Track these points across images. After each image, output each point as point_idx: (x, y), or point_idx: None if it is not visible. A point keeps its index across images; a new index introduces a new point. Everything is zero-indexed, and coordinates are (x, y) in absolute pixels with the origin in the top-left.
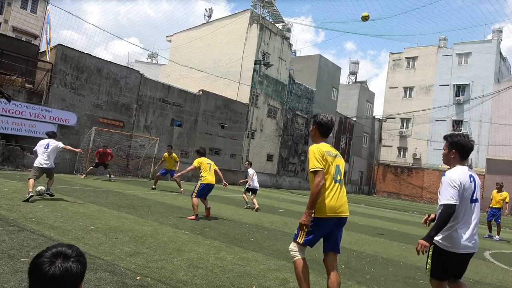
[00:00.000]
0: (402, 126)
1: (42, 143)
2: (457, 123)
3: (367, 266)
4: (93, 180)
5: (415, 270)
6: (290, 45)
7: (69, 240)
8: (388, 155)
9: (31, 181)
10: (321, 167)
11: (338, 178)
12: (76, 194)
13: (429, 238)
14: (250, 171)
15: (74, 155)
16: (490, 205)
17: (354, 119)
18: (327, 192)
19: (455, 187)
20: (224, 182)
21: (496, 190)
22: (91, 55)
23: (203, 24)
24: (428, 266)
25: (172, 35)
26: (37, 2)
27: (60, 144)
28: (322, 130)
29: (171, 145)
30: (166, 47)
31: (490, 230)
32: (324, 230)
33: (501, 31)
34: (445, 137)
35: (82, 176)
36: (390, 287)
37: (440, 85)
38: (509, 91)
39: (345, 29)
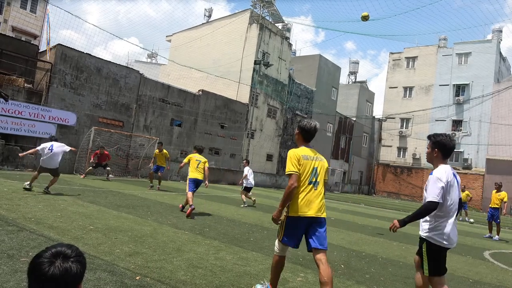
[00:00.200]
0: (402, 126)
1: (45, 145)
2: (457, 123)
3: (366, 266)
4: (93, 180)
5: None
6: (290, 45)
7: (69, 240)
8: (388, 155)
9: (34, 174)
10: (295, 171)
11: (314, 180)
12: (75, 194)
13: (403, 223)
14: (245, 170)
15: (74, 155)
16: (490, 205)
17: (354, 119)
18: (300, 193)
19: (442, 186)
20: (206, 182)
21: (495, 190)
22: (91, 55)
23: (203, 24)
24: (426, 266)
25: (172, 35)
26: (37, 1)
27: (66, 148)
28: (305, 135)
29: (162, 142)
30: (165, 47)
31: (490, 231)
32: (300, 229)
33: (501, 31)
34: (429, 137)
35: (82, 176)
36: (389, 287)
37: (440, 85)
38: (509, 91)
39: (345, 29)
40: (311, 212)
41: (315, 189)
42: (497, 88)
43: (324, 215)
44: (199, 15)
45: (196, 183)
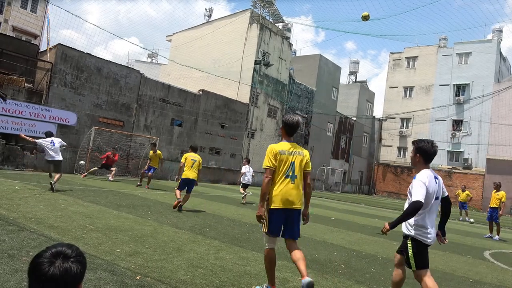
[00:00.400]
0: (402, 126)
1: (46, 141)
2: (457, 123)
3: (367, 265)
4: (93, 180)
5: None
6: (290, 44)
7: (69, 240)
8: (388, 154)
9: (50, 173)
10: (269, 165)
11: (290, 174)
12: (76, 193)
13: (393, 225)
14: (243, 168)
15: (74, 154)
16: (489, 205)
17: (354, 118)
18: (276, 186)
19: (424, 188)
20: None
21: (495, 190)
22: (91, 55)
23: (203, 23)
24: (413, 261)
25: (172, 35)
26: (37, 1)
27: (63, 142)
28: (288, 130)
29: (155, 143)
30: (166, 47)
31: (491, 231)
32: (279, 219)
33: (501, 31)
34: (413, 142)
35: (82, 176)
36: (389, 287)
37: (440, 85)
38: (509, 91)
39: (345, 28)
40: (287, 204)
41: (292, 183)
42: (497, 88)
43: (300, 207)
44: (200, 15)
45: (186, 183)
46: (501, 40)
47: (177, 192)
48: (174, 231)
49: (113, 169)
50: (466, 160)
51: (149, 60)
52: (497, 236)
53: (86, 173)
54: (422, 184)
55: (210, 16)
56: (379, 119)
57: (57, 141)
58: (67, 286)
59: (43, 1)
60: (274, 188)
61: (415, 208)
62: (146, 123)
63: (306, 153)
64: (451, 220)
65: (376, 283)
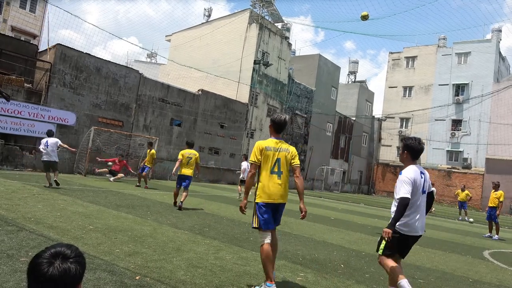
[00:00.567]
0: (401, 126)
1: (42, 141)
2: (457, 123)
3: (366, 265)
4: (93, 180)
5: (414, 270)
6: (289, 44)
7: (68, 240)
8: (387, 154)
9: (46, 174)
10: (254, 160)
11: (276, 170)
12: (75, 193)
13: (391, 226)
14: (243, 164)
15: (73, 155)
16: (488, 205)
17: (354, 118)
18: (263, 182)
19: (409, 184)
20: (198, 174)
21: (494, 190)
22: (90, 55)
23: (202, 23)
24: (382, 246)
25: (171, 35)
26: (36, 1)
27: (59, 141)
28: (276, 127)
29: (151, 142)
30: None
31: (490, 231)
32: (268, 213)
33: (500, 31)
34: (401, 140)
35: (97, 170)
36: (389, 287)
37: (439, 85)
38: (509, 90)
39: (345, 28)
40: (272, 199)
41: (278, 178)
42: (497, 88)
43: (285, 201)
44: (199, 15)
45: (182, 179)
46: (500, 39)
47: (175, 193)
48: (174, 231)
49: (120, 175)
50: (465, 159)
51: (148, 60)
52: (496, 236)
53: (97, 170)
54: (408, 180)
55: (209, 16)
56: (379, 119)
57: (53, 142)
58: (66, 286)
59: (42, 1)
60: (261, 184)
61: (404, 205)
62: (145, 123)
63: (292, 149)
64: (450, 220)
65: (376, 282)
